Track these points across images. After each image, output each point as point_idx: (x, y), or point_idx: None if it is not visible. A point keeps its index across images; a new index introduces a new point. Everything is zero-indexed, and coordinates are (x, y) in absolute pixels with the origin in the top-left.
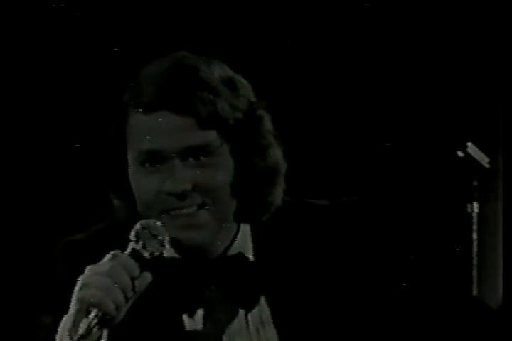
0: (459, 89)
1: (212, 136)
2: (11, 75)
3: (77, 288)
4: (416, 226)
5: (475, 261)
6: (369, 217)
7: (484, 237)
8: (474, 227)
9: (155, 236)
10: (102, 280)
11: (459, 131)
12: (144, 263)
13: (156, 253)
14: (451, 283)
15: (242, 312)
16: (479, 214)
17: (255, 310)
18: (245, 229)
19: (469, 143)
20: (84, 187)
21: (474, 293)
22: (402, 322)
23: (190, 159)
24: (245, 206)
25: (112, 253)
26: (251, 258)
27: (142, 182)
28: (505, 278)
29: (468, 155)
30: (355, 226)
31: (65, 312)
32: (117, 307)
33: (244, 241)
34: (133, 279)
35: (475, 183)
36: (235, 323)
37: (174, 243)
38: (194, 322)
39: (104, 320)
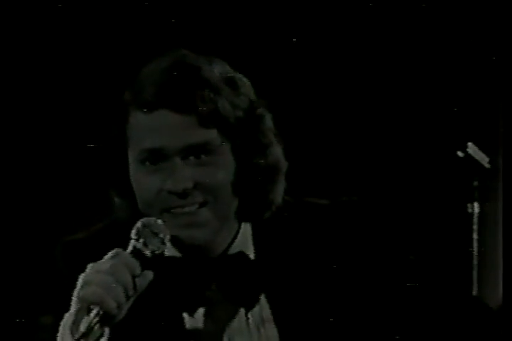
0: (459, 90)
1: (212, 134)
2: (12, 75)
3: (78, 286)
4: (416, 226)
5: (475, 261)
6: (369, 217)
7: (484, 237)
8: (474, 227)
9: (156, 234)
10: (103, 279)
11: (459, 131)
12: (145, 262)
13: (157, 252)
14: (451, 283)
15: (242, 310)
16: (479, 214)
17: (256, 309)
18: (246, 227)
19: (469, 143)
20: (85, 186)
21: (474, 293)
22: (403, 322)
23: (191, 157)
24: (246, 204)
25: (113, 251)
26: (252, 256)
27: (143, 181)
28: (505, 278)
29: (468, 155)
30: (355, 225)
31: (66, 311)
32: (118, 306)
33: (245, 240)
34: (134, 277)
35: (475, 183)
36: (236, 322)
37: (175, 241)
38: (195, 320)
39: (105, 318)
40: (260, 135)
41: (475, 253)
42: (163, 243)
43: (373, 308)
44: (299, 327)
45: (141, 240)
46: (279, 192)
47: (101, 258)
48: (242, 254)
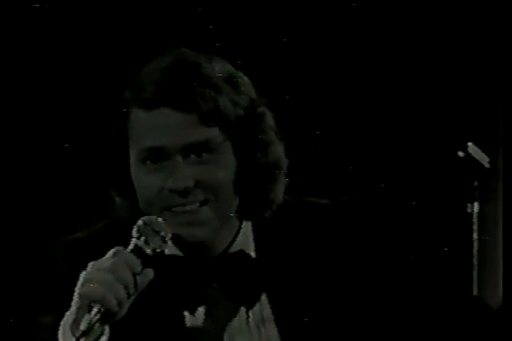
0: (459, 89)
1: (213, 132)
2: (13, 75)
3: (79, 284)
4: (416, 225)
5: (475, 261)
6: (369, 217)
7: (484, 237)
8: (474, 227)
9: (157, 232)
10: (104, 276)
11: (459, 131)
12: (146, 260)
13: (158, 250)
14: (452, 283)
15: (243, 309)
16: (479, 214)
17: (256, 308)
18: (247, 226)
19: (470, 143)
20: (86, 186)
21: (474, 293)
22: (403, 322)
23: (192, 156)
24: (247, 203)
25: (114, 249)
26: (252, 255)
27: (144, 180)
28: (505, 278)
29: (468, 155)
30: (355, 225)
31: (66, 311)
32: (119, 303)
33: (246, 239)
34: (135, 275)
35: (475, 183)
36: (236, 320)
37: (176, 240)
38: (195, 319)
39: (106, 316)
40: (261, 133)
41: (475, 253)
42: (165, 241)
43: (374, 308)
44: (299, 326)
45: (142, 238)
46: (279, 191)
47: (101, 257)
48: (242, 253)
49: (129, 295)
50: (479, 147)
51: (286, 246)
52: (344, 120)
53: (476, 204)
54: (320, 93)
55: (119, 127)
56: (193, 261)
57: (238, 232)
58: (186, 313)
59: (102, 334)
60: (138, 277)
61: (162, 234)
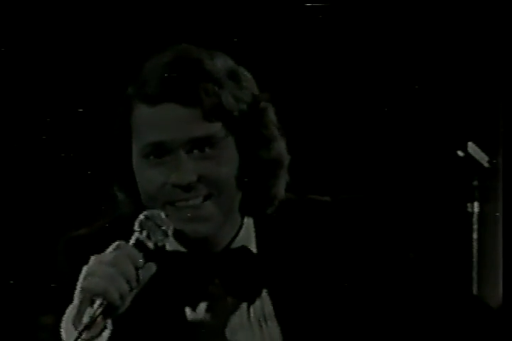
0: (459, 89)
1: (216, 127)
2: (15, 70)
3: (81, 277)
4: (416, 225)
5: (475, 261)
6: (370, 215)
7: (484, 237)
8: (474, 227)
9: (159, 226)
10: (106, 270)
11: (459, 131)
12: (148, 254)
13: (160, 244)
14: (452, 283)
15: (244, 306)
16: (479, 214)
17: (258, 304)
18: (249, 222)
19: (469, 143)
20: (88, 182)
21: (474, 292)
22: (403, 321)
23: (195, 151)
24: (249, 198)
25: (116, 243)
26: (254, 251)
27: (147, 175)
28: (505, 278)
29: (468, 155)
30: (356, 223)
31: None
32: (121, 297)
33: (247, 235)
34: (137, 269)
35: (475, 183)
36: (237, 316)
37: (179, 235)
38: (197, 315)
39: (108, 310)
40: (263, 129)
41: (475, 252)
42: (167, 235)
43: (374, 306)
44: (300, 322)
45: (144, 232)
46: (281, 187)
47: None
48: (244, 249)
49: (131, 289)
50: (479, 146)
51: (287, 242)
52: (344, 120)
53: (476, 204)
54: (321, 92)
55: (122, 123)
56: (195, 256)
57: (240, 228)
58: (188, 309)
59: (104, 328)
60: (140, 271)
61: (164, 227)
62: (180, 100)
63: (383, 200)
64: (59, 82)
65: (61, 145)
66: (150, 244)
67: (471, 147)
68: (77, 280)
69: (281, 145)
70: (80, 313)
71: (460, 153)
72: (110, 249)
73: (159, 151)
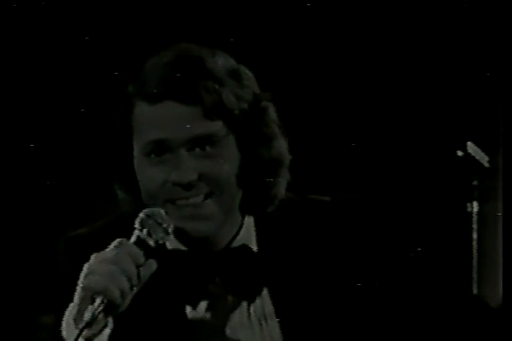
0: (459, 89)
1: (217, 125)
2: (16, 68)
3: (82, 275)
4: (416, 225)
5: (475, 261)
6: (370, 215)
7: (484, 237)
8: (474, 227)
9: (159, 224)
10: (107, 268)
11: (459, 131)
12: (148, 252)
13: (161, 242)
14: (452, 283)
15: (244, 304)
16: (479, 214)
17: (258, 303)
18: (249, 221)
19: (469, 143)
20: (89, 181)
21: (474, 292)
22: (403, 320)
23: (196, 149)
24: (250, 197)
25: (117, 240)
26: (255, 250)
27: (148, 173)
28: (505, 278)
29: (468, 155)
30: (356, 223)
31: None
32: (122, 295)
33: (248, 234)
34: (138, 267)
35: (475, 183)
36: (238, 315)
37: (179, 234)
38: (197, 313)
39: (109, 307)
40: (264, 127)
41: (475, 253)
42: (167, 233)
43: (374, 305)
44: (300, 321)
45: (144, 230)
46: (282, 186)
47: None
48: (245, 248)
49: (132, 287)
50: (479, 146)
51: (287, 241)
52: (345, 120)
53: (475, 204)
54: (322, 92)
55: (123, 121)
56: (195, 255)
57: (241, 227)
58: (188, 307)
59: (105, 326)
60: (141, 268)
61: (164, 225)
62: (180, 98)
63: (383, 200)
64: (59, 82)
65: (61, 146)
66: (151, 242)
67: (471, 147)
68: (77, 279)
69: (282, 145)
70: (80, 311)
71: (460, 153)
72: (111, 246)
73: (160, 149)
